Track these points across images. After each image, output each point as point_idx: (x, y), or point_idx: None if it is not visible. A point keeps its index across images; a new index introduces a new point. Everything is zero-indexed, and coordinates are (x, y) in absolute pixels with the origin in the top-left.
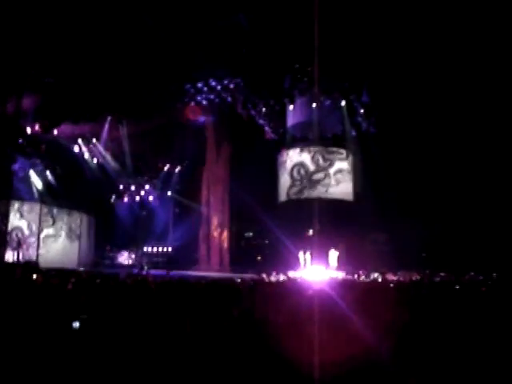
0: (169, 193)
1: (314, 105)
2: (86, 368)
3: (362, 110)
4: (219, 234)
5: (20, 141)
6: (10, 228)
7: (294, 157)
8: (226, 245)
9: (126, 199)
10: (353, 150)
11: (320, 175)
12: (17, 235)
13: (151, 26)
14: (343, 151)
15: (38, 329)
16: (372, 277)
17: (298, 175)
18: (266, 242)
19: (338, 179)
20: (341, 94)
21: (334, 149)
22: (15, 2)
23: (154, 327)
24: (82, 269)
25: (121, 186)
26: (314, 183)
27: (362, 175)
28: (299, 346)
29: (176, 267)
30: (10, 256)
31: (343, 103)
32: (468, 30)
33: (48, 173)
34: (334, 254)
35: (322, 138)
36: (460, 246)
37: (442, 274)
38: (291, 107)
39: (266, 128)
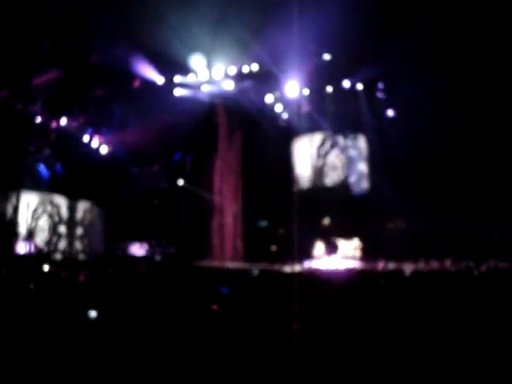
0: (180, 182)
1: (330, 89)
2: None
3: (380, 94)
4: (232, 223)
5: (29, 131)
6: (20, 220)
7: (308, 144)
8: (239, 235)
9: (136, 188)
10: (370, 135)
11: (336, 162)
12: (27, 226)
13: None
14: (360, 137)
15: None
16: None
17: (312, 163)
18: (281, 231)
19: (354, 166)
20: (358, 77)
21: (351, 135)
22: None
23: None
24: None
25: (131, 176)
26: (329, 171)
27: (379, 162)
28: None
29: (189, 258)
30: (21, 248)
31: (360, 87)
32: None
33: (57, 163)
34: (350, 244)
35: (338, 123)
36: (481, 234)
37: (463, 263)
38: (307, 92)
39: (281, 114)
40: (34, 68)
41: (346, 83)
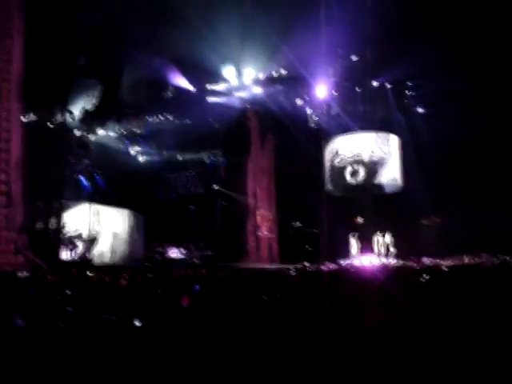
0: (215, 186)
1: (359, 90)
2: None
3: (409, 92)
4: (267, 224)
5: (69, 143)
6: (63, 228)
7: (339, 144)
8: (274, 235)
9: (173, 194)
10: (401, 133)
11: (366, 161)
12: (70, 234)
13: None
14: (390, 135)
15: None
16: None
17: (343, 163)
18: (315, 231)
19: (386, 164)
20: (387, 77)
21: (381, 134)
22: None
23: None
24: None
25: (168, 182)
26: (360, 169)
27: (411, 159)
28: None
29: (226, 260)
30: (64, 255)
31: (389, 86)
32: None
33: (97, 173)
34: (384, 241)
35: (367, 123)
36: None
37: (500, 258)
38: (335, 93)
39: (311, 116)
40: (72, 82)
41: (375, 83)
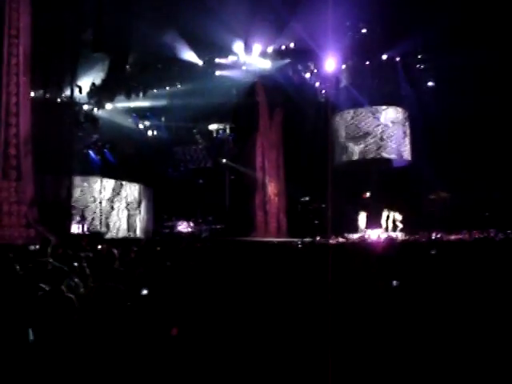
0: (223, 160)
1: (368, 62)
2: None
3: (418, 66)
4: (275, 199)
5: (77, 117)
6: (73, 202)
7: (347, 118)
8: (282, 210)
9: (182, 168)
10: (409, 107)
11: (376, 135)
12: (80, 209)
13: None
14: (398, 109)
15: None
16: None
17: (352, 137)
18: (323, 205)
19: (395, 138)
20: (396, 50)
21: (390, 107)
22: None
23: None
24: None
25: (176, 156)
26: (369, 144)
27: (419, 133)
28: None
29: (234, 234)
30: (75, 229)
31: (398, 59)
32: None
33: (105, 147)
34: (391, 216)
35: (377, 96)
36: None
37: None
38: (344, 66)
39: (319, 89)
40: (80, 57)
41: (384, 56)
